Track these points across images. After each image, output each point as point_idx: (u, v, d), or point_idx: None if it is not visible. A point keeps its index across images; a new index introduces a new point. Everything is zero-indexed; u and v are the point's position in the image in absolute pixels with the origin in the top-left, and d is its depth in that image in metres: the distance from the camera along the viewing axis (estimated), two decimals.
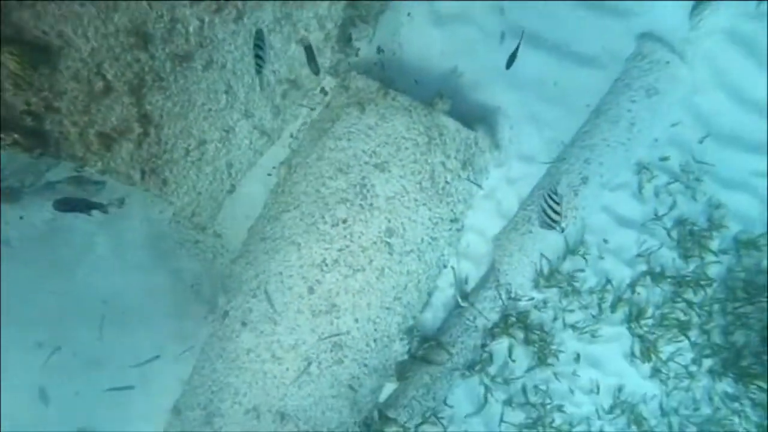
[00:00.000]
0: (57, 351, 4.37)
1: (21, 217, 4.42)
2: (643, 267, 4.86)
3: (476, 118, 4.74)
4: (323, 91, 4.71)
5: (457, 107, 4.68)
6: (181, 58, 3.97)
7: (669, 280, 4.85)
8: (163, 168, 4.39)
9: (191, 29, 3.91)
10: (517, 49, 3.88)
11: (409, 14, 4.81)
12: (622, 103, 4.64)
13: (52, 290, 4.37)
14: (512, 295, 4.68)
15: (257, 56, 3.35)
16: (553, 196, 3.40)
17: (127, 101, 3.94)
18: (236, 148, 4.64)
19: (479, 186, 4.72)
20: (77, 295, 4.43)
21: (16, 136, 3.58)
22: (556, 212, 3.38)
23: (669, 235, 4.85)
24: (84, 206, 3.86)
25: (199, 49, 4.03)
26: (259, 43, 3.33)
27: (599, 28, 4.75)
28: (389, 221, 4.46)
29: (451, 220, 4.68)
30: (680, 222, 4.86)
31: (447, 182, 4.57)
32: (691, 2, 4.70)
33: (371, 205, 4.44)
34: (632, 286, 4.84)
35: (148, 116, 4.09)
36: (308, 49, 3.96)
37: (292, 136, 4.79)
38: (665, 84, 4.59)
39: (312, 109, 4.74)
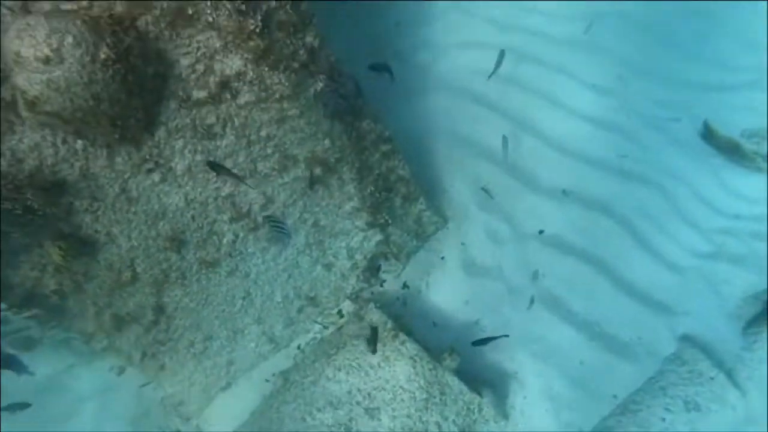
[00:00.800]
0: None
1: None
2: None
3: (488, 380, 4.42)
4: (340, 313, 4.70)
5: (470, 364, 4.42)
6: (208, 263, 4.20)
7: None
8: (163, 354, 4.45)
9: (225, 241, 4.18)
10: (490, 339, 3.85)
11: (443, 258, 4.85)
12: (655, 408, 4.13)
13: None
14: None
15: (276, 228, 3.71)
16: None
17: (148, 291, 4.15)
18: (241, 348, 4.64)
19: None
20: None
21: (36, 310, 3.85)
22: None
23: None
24: (10, 364, 3.94)
25: (228, 258, 4.26)
26: (273, 222, 3.74)
27: (638, 315, 4.45)
28: None
29: None
30: None
31: None
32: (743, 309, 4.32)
33: None
34: None
35: (162, 307, 4.26)
36: (373, 330, 4.12)
37: (299, 348, 4.73)
38: (708, 402, 4.06)
39: (325, 328, 4.70)
